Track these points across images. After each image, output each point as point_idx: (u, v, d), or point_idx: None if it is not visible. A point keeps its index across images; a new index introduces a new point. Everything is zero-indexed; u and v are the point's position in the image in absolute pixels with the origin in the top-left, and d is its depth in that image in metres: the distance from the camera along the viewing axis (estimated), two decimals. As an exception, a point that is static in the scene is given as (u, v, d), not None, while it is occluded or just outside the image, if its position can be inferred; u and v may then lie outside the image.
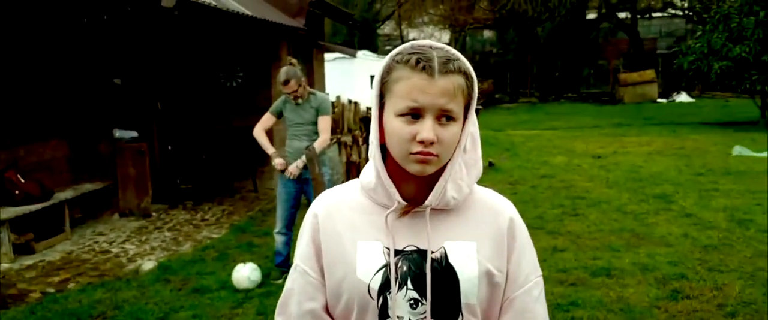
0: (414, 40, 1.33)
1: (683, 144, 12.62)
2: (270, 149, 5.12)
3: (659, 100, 24.04)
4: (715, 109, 20.33)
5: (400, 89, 1.20)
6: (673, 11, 29.07)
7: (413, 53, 1.22)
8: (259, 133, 5.17)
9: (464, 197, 1.30)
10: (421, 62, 1.19)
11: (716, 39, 14.70)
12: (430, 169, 1.22)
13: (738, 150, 11.22)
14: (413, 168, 1.21)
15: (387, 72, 1.24)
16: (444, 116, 1.20)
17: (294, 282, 1.36)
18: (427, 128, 1.18)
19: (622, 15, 28.24)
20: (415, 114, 1.19)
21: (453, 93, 1.20)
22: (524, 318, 1.31)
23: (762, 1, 14.36)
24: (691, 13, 27.45)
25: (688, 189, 8.18)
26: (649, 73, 24.83)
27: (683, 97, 24.35)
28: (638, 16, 28.68)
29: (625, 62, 28.76)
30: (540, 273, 1.36)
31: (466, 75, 1.23)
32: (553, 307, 4.28)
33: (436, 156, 1.20)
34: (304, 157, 4.92)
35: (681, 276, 4.93)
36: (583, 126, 17.05)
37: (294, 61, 5.11)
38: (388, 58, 1.25)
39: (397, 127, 1.21)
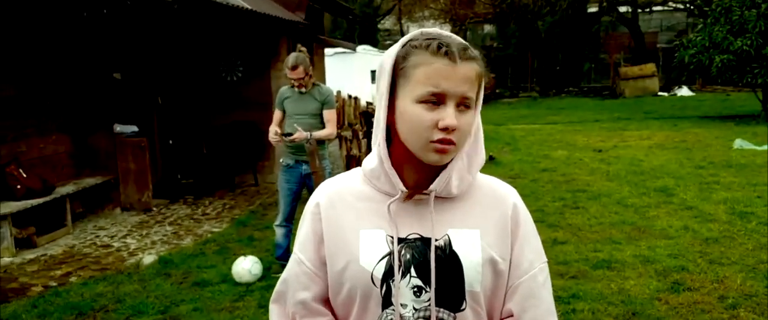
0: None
1: (684, 137, 12.59)
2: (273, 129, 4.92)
3: (660, 94, 23.96)
4: (716, 102, 20.28)
5: (420, 74, 1.18)
6: (674, 5, 28.95)
7: (432, 39, 1.20)
8: (271, 131, 5.02)
9: (467, 185, 1.28)
10: (443, 47, 1.17)
11: (717, 32, 14.60)
12: (447, 158, 1.21)
13: (739, 143, 11.19)
14: (431, 157, 1.19)
15: (403, 57, 1.21)
16: (463, 103, 1.18)
17: (289, 270, 1.35)
18: (450, 114, 1.16)
19: (622, 9, 28.11)
20: (436, 100, 1.17)
21: (473, 80, 1.19)
22: (529, 303, 1.30)
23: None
24: (692, 7, 27.33)
25: (689, 183, 8.17)
26: (650, 67, 24.73)
27: (684, 91, 24.28)
28: (639, 10, 28.57)
29: (626, 56, 28.68)
30: (545, 259, 1.35)
31: (479, 64, 1.22)
32: (554, 299, 4.25)
33: (455, 144, 1.19)
34: (305, 133, 4.75)
35: (682, 269, 4.94)
36: (583, 120, 17.02)
37: (303, 49, 5.05)
38: (399, 45, 1.23)
39: (416, 113, 1.18)
